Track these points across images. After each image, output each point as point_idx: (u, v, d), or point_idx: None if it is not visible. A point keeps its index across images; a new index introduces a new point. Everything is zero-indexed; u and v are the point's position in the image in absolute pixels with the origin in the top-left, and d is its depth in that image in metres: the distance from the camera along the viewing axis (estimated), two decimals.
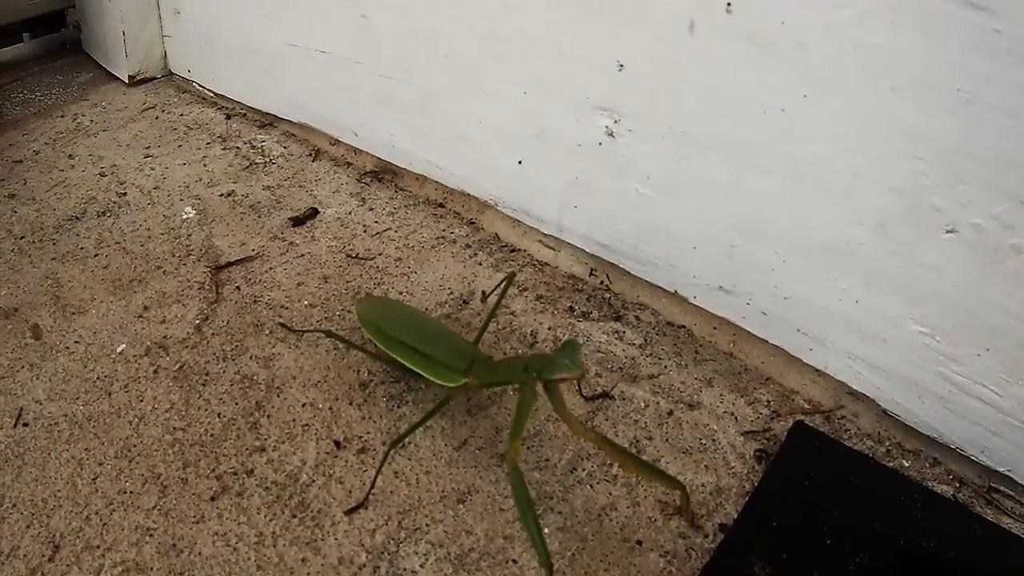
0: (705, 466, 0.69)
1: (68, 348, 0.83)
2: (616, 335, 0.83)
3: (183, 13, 1.31)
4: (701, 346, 0.82)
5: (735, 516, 0.63)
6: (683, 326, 0.84)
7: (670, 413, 0.74)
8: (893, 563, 0.57)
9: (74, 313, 0.88)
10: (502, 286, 0.76)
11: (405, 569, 0.61)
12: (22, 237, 1.00)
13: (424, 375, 0.66)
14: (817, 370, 0.74)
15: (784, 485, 0.64)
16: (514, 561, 0.61)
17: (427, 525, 0.64)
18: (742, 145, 0.70)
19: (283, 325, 0.84)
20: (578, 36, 0.77)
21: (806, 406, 0.74)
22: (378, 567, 0.61)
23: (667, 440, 0.71)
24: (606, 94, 0.78)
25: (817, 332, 0.72)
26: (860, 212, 0.65)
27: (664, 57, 0.72)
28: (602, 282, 0.90)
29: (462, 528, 0.64)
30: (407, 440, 0.71)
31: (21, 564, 0.62)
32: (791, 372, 0.76)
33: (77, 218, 1.05)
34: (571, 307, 0.87)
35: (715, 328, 0.82)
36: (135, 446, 0.72)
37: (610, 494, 0.66)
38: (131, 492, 0.68)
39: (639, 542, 0.62)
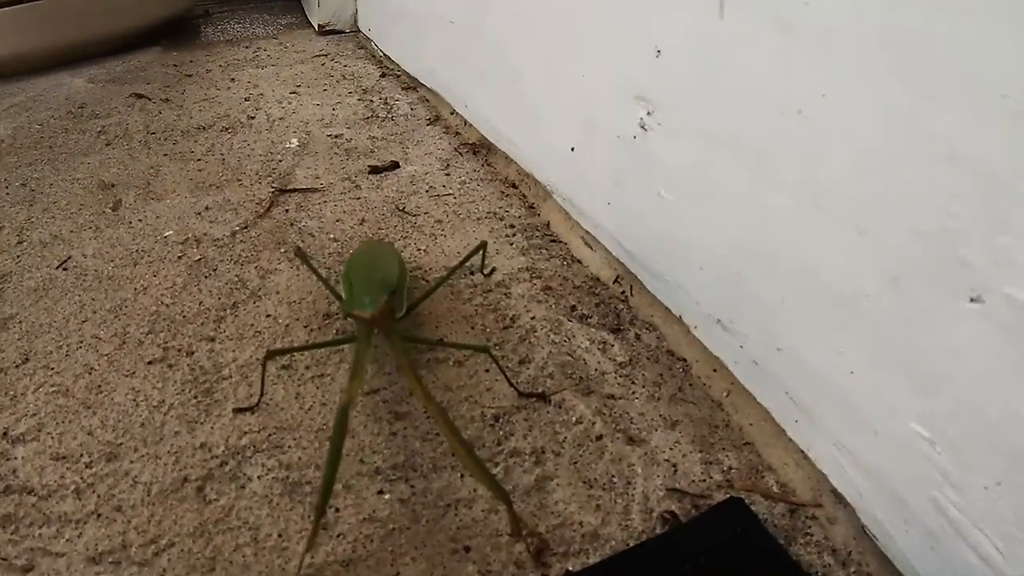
0: (597, 505, 0.64)
1: (130, 223, 1.02)
2: (601, 346, 0.82)
3: None
4: (691, 385, 0.78)
5: (584, 567, 0.58)
6: (683, 359, 0.80)
7: (599, 438, 0.71)
8: None
9: (153, 199, 1.07)
10: (476, 251, 0.79)
11: (245, 474, 0.67)
12: (152, 133, 1.24)
13: (341, 301, 0.72)
14: (802, 451, 0.65)
15: (664, 558, 0.57)
16: (336, 509, 0.64)
17: (288, 447, 0.69)
18: (758, 151, 0.65)
19: (299, 249, 0.95)
20: (624, 17, 0.78)
21: (774, 491, 0.65)
22: (225, 463, 0.68)
23: (574, 463, 0.68)
24: (644, 82, 0.78)
25: (806, 401, 0.64)
26: (873, 256, 0.54)
27: (695, 42, 0.70)
28: (623, 292, 0.88)
29: (316, 462, 0.68)
30: (327, 372, 0.77)
31: None
32: (776, 445, 0.68)
33: (203, 128, 1.27)
34: (573, 306, 0.88)
35: (714, 371, 0.77)
36: (126, 307, 0.87)
37: (474, 491, 0.64)
38: (99, 338, 0.82)
39: (467, 548, 0.60)
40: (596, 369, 0.78)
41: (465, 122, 1.24)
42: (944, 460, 0.50)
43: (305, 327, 0.83)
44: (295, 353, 0.79)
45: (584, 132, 0.90)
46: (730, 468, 0.67)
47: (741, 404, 0.71)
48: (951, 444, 0.49)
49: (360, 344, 0.61)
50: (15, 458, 0.68)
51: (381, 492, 0.65)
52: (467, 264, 0.92)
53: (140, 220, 1.04)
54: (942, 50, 0.46)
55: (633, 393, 0.75)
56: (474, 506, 0.63)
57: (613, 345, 0.81)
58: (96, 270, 0.93)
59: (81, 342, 0.82)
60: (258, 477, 0.66)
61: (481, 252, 0.88)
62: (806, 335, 0.61)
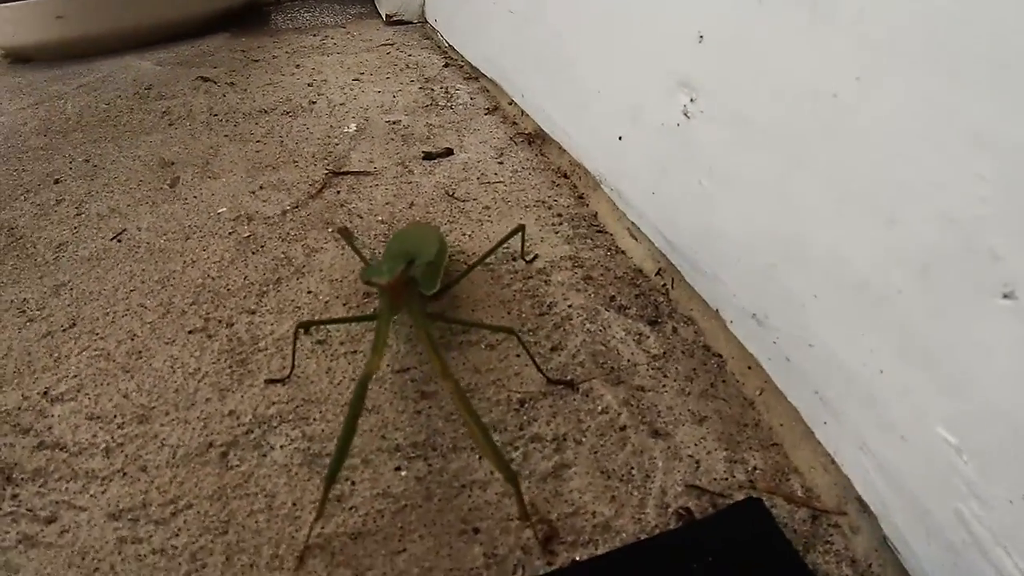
0: (613, 496, 0.63)
1: (186, 200, 1.06)
2: (637, 337, 0.81)
3: None
4: (723, 382, 0.76)
5: (589, 558, 0.58)
6: (719, 355, 0.78)
7: (622, 429, 0.70)
8: None
9: (210, 177, 1.11)
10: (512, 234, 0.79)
11: (269, 442, 0.68)
12: (215, 114, 1.28)
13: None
14: (830, 455, 0.62)
15: (674, 554, 0.55)
16: (352, 483, 0.65)
17: (314, 420, 0.71)
18: (793, 137, 0.63)
19: (343, 229, 0.97)
20: (665, 5, 0.77)
21: (798, 495, 0.62)
22: (251, 431, 0.70)
23: (595, 452, 0.67)
24: (687, 68, 0.77)
25: (834, 401, 0.61)
26: (904, 245, 0.52)
27: (734, 26, 0.69)
28: (664, 284, 0.87)
29: (336, 436, 0.69)
30: (359, 349, 0.78)
31: (45, 326, 0.83)
32: (804, 447, 0.65)
33: (265, 111, 1.31)
34: (613, 296, 0.87)
35: (749, 368, 0.75)
36: (173, 278, 0.90)
37: (490, 474, 0.64)
38: (144, 307, 0.86)
39: (476, 530, 0.60)
40: (628, 360, 0.77)
41: (522, 112, 1.24)
42: (970, 470, 0.47)
43: (344, 304, 0.85)
44: (330, 328, 0.80)
45: (631, 120, 0.89)
46: (755, 468, 0.65)
47: (773, 403, 0.69)
48: (977, 452, 0.47)
49: (382, 317, 0.61)
50: (52, 416, 0.72)
51: (398, 469, 0.65)
52: (510, 250, 0.92)
53: (195, 197, 1.07)
54: (973, 25, 0.44)
55: (663, 386, 0.74)
56: (488, 488, 0.63)
57: (649, 337, 0.80)
58: (148, 243, 0.97)
59: (127, 310, 0.85)
60: (280, 447, 0.68)
61: (520, 236, 0.88)
62: (837, 331, 0.59)
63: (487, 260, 0.90)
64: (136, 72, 1.47)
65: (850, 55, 0.55)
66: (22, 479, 0.66)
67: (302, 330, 0.77)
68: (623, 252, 0.94)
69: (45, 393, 0.74)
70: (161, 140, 1.24)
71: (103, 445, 0.69)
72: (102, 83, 1.41)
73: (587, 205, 1.04)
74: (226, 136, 1.24)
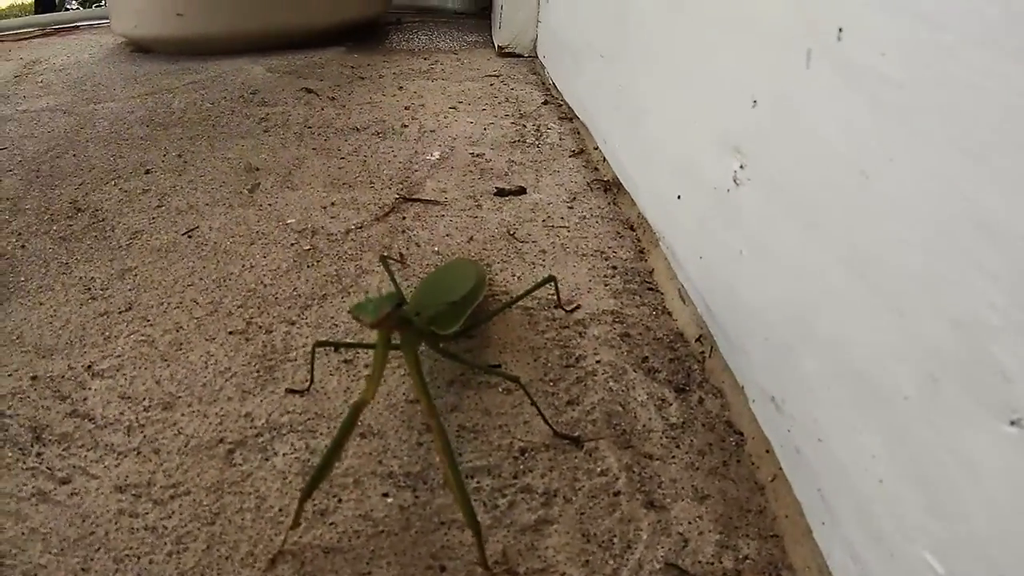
0: (586, 561, 0.65)
1: (260, 207, 1.17)
2: (659, 403, 0.83)
3: (550, 3, 1.62)
4: (738, 462, 0.77)
5: None
6: (740, 433, 0.80)
7: (616, 494, 0.73)
8: None
9: (288, 188, 1.22)
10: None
11: (273, 449, 0.76)
12: (309, 127, 1.40)
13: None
14: (824, 556, 0.62)
15: None
16: (339, 500, 0.71)
17: (320, 434, 0.78)
18: (815, 210, 0.65)
19: (383, 256, 1.04)
20: (727, 61, 0.81)
21: None
22: (261, 435, 0.77)
23: (581, 513, 0.69)
24: (740, 132, 0.80)
25: (833, 501, 0.61)
26: (910, 343, 0.50)
27: (783, 93, 0.72)
28: (702, 352, 0.89)
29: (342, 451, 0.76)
30: (383, 375, 0.85)
31: (104, 305, 0.95)
32: (803, 544, 0.65)
33: (358, 130, 1.42)
34: (646, 357, 0.90)
35: (767, 452, 0.76)
36: (229, 280, 1.01)
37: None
38: (196, 303, 0.96)
39: (443, 568, 0.64)
40: (644, 425, 0.79)
41: (604, 159, 1.29)
42: None
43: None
44: (356, 350, 0.87)
45: (688, 180, 0.92)
46: (745, 557, 0.65)
47: (782, 493, 0.69)
48: None
49: (377, 350, 0.68)
50: (89, 389, 0.82)
51: (386, 495, 0.71)
52: (553, 297, 0.97)
53: (270, 205, 1.18)
54: (993, 100, 0.43)
55: (673, 457, 0.76)
56: (465, 531, 0.67)
57: (671, 404, 0.82)
58: (216, 242, 1.08)
59: (180, 303, 0.96)
60: (283, 454, 0.75)
61: (553, 286, 0.93)
62: (843, 428, 0.60)
63: (527, 305, 0.95)
64: (246, 76, 1.62)
65: (885, 133, 0.55)
66: (49, 440, 0.76)
67: (321, 349, 0.84)
68: (669, 313, 0.97)
69: (89, 367, 0.85)
70: (252, 145, 1.36)
71: (127, 423, 0.78)
72: (212, 82, 1.56)
73: (646, 260, 1.07)
74: (314, 149, 1.35)
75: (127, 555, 0.64)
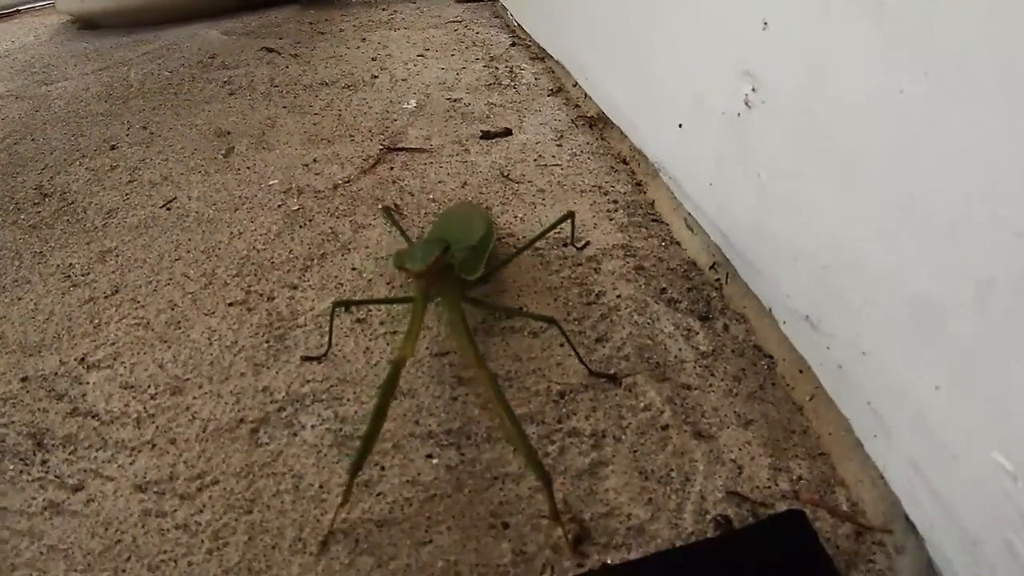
0: (649, 499, 0.60)
1: (238, 170, 1.06)
2: (686, 333, 0.77)
3: None
4: (773, 385, 0.71)
5: (620, 562, 0.55)
6: (770, 356, 0.74)
7: (664, 428, 0.67)
8: None
9: (265, 149, 1.11)
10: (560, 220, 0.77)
11: (299, 422, 0.67)
12: (276, 86, 1.28)
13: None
14: (879, 470, 0.58)
15: (709, 564, 0.52)
16: (381, 467, 0.63)
17: (347, 400, 0.69)
18: (856, 134, 0.59)
19: (386, 207, 0.95)
20: None
21: (843, 509, 0.58)
22: (284, 408, 0.69)
23: (634, 451, 0.64)
24: (750, 56, 0.73)
25: (886, 413, 0.57)
26: (964, 263, 0.49)
27: (799, 13, 0.64)
28: (718, 279, 0.83)
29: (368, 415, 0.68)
30: (399, 330, 0.76)
31: (88, 292, 0.84)
32: (852, 460, 0.61)
33: (327, 84, 1.30)
34: (663, 289, 0.83)
35: (800, 372, 0.70)
36: (218, 249, 0.90)
37: (523, 467, 0.63)
38: (187, 277, 0.86)
39: (505, 524, 0.58)
40: (676, 356, 0.73)
41: (585, 95, 1.21)
42: None
43: (388, 284, 0.83)
44: (370, 308, 0.79)
45: (692, 108, 0.85)
46: (799, 478, 0.61)
47: (822, 411, 0.65)
48: None
49: (417, 303, 0.60)
50: (87, 383, 0.72)
51: (430, 456, 0.63)
52: (560, 235, 0.89)
53: (249, 168, 1.07)
54: None
55: (710, 385, 0.70)
56: (521, 483, 0.61)
57: (698, 333, 0.76)
58: (198, 212, 0.97)
59: (170, 279, 0.85)
60: (312, 426, 0.67)
61: (570, 223, 0.85)
62: (892, 342, 0.56)
63: (536, 245, 0.87)
64: (202, 41, 1.48)
65: (918, 49, 0.50)
66: (52, 445, 0.66)
67: (340, 309, 0.75)
68: (678, 243, 0.90)
69: (82, 360, 0.75)
70: (220, 110, 1.24)
71: (135, 415, 0.68)
72: (167, 51, 1.42)
73: (644, 193, 1.00)
74: (284, 108, 1.24)
75: (162, 560, 0.56)
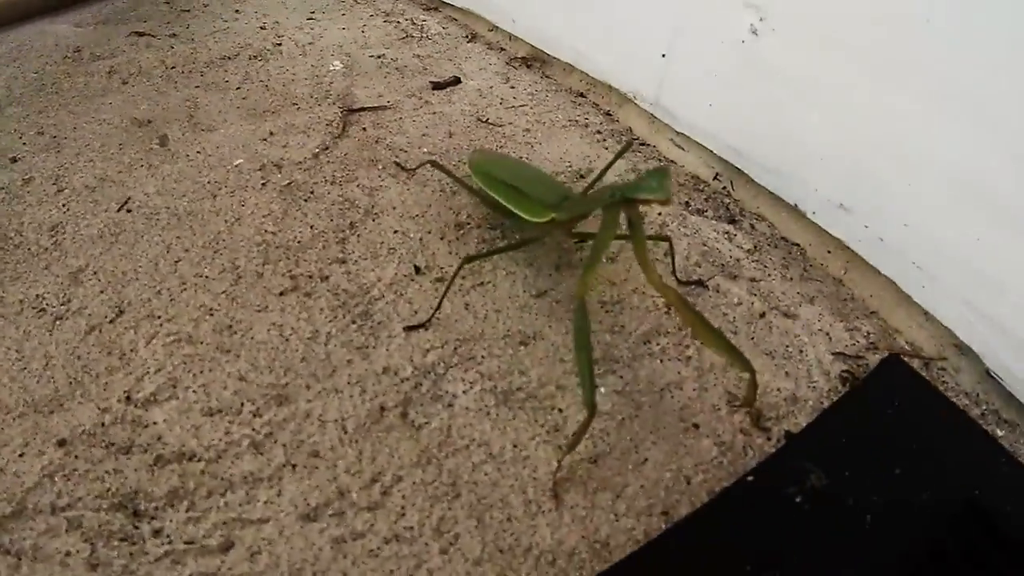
0: (786, 372, 0.62)
1: (188, 156, 0.88)
2: (726, 235, 0.77)
3: None
4: (811, 266, 0.74)
5: (804, 426, 0.57)
6: (797, 244, 0.77)
7: (762, 315, 0.67)
8: (959, 512, 0.49)
9: (203, 130, 0.93)
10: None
11: (447, 392, 0.58)
12: (173, 67, 1.08)
13: (516, 211, 0.63)
14: (926, 313, 0.65)
15: (864, 409, 0.57)
16: (559, 410, 0.58)
17: (482, 357, 0.61)
18: (886, 56, 0.61)
19: (397, 163, 0.85)
20: None
21: (906, 347, 0.65)
22: (420, 383, 0.59)
23: (752, 339, 0.65)
24: None
25: (932, 268, 0.63)
26: (1000, 144, 0.54)
27: None
28: (724, 187, 0.83)
29: (516, 368, 0.61)
30: (486, 280, 0.68)
31: (83, 321, 0.65)
32: (899, 310, 0.67)
33: (229, 58, 1.11)
34: (687, 202, 0.82)
35: (829, 252, 0.74)
36: (224, 241, 0.75)
37: (679, 373, 0.61)
38: (206, 277, 0.70)
39: (696, 425, 0.57)
40: (731, 256, 0.74)
41: (511, 37, 1.13)
42: None
43: (441, 239, 0.74)
44: (451, 265, 0.70)
45: (676, 38, 0.83)
46: (868, 333, 0.66)
47: (859, 279, 0.70)
48: None
49: (607, 230, 0.53)
50: (154, 423, 0.56)
51: (595, 386, 0.58)
52: (570, 167, 0.85)
53: (198, 152, 0.90)
54: None
55: (769, 275, 0.72)
56: (684, 386, 0.60)
57: (736, 235, 0.77)
58: (168, 207, 0.80)
59: (184, 284, 0.69)
60: (463, 392, 0.58)
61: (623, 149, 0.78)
62: (933, 211, 0.61)
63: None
64: (55, 37, 1.20)
65: None
66: (155, 509, 0.50)
67: (465, 263, 0.64)
68: (674, 162, 0.89)
69: (128, 398, 0.58)
70: (122, 100, 1.02)
71: (246, 441, 0.55)
72: (19, 52, 1.13)
73: (617, 121, 0.97)
74: (197, 87, 1.04)
75: None
